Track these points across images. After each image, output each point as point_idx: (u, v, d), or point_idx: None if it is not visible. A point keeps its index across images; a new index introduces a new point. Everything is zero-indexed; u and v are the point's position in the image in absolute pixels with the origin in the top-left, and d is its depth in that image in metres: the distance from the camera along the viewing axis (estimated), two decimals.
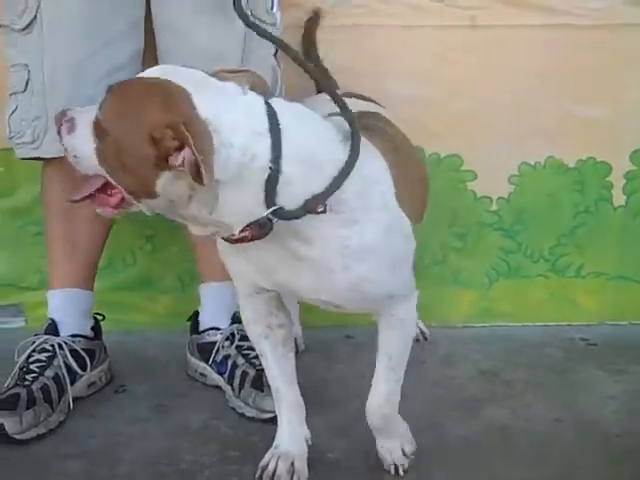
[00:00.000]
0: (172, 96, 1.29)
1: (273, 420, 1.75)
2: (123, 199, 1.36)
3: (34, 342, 1.94)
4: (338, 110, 1.48)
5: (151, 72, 1.38)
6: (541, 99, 2.39)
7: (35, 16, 1.87)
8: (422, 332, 2.32)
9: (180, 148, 1.25)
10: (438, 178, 2.40)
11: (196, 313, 2.11)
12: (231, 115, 1.30)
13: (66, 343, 1.94)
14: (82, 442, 1.78)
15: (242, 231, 1.35)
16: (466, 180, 2.44)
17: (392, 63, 2.32)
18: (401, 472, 1.66)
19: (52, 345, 1.93)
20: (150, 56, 1.93)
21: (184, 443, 1.78)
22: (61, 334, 1.97)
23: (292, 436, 1.67)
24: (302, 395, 1.68)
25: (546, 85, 2.38)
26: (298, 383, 1.68)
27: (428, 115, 2.37)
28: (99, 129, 1.32)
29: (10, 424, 1.74)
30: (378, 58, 2.31)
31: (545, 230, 2.49)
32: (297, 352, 1.81)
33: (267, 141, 1.32)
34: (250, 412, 1.87)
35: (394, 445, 1.68)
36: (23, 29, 1.89)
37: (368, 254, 1.44)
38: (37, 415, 1.78)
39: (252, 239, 1.36)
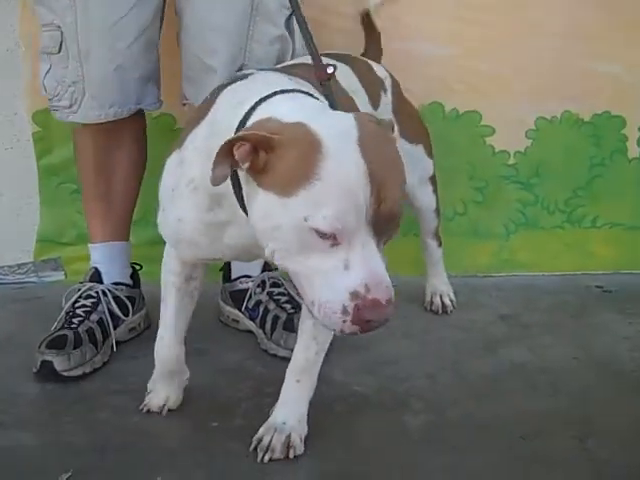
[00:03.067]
0: None
1: None
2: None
3: (80, 289, 2.05)
4: None
5: None
6: (559, 57, 2.47)
7: None
8: (444, 305, 2.31)
9: None
10: (457, 133, 2.51)
11: (228, 262, 2.21)
12: None
13: (110, 290, 2.05)
14: (125, 380, 1.89)
15: None
16: (485, 135, 2.53)
17: (414, 24, 2.40)
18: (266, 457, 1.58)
19: (97, 292, 2.03)
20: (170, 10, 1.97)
21: (222, 381, 1.89)
22: (104, 282, 2.07)
23: (166, 381, 1.75)
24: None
25: (564, 43, 2.46)
26: None
27: (448, 73, 2.47)
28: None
29: (58, 361, 1.85)
30: (401, 20, 2.38)
31: (561, 183, 2.58)
32: None
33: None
34: (283, 352, 1.96)
35: (284, 427, 1.61)
36: None
37: None
38: (83, 354, 1.89)
39: None
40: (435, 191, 2.24)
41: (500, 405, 1.79)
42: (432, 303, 2.32)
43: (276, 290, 2.10)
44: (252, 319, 2.11)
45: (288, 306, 2.07)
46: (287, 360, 1.91)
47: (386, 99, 2.02)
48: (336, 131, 1.24)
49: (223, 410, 1.77)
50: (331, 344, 1.89)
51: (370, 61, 2.09)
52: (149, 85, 1.98)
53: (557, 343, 2.10)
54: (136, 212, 2.29)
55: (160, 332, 1.74)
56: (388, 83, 2.06)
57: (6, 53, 2.34)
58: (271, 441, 1.60)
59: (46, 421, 1.74)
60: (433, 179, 2.23)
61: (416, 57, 2.41)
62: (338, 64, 1.85)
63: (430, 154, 2.20)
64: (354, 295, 1.21)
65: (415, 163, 2.13)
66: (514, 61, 2.46)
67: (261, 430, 1.63)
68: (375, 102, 1.95)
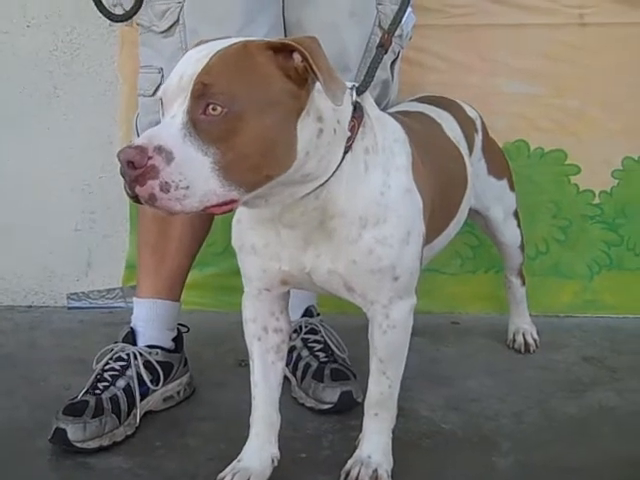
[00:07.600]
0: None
1: (331, 411, 1.88)
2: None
3: (112, 349, 1.91)
4: None
5: None
6: None
7: (177, 19, 1.78)
8: (526, 344, 2.29)
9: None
10: (541, 171, 2.50)
11: None
12: None
13: (141, 354, 1.88)
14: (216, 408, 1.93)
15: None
16: (569, 174, 2.51)
17: (502, 60, 2.41)
18: None
19: (127, 354, 1.88)
20: None
21: (307, 413, 1.92)
22: (138, 344, 1.92)
23: (256, 452, 1.61)
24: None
25: None
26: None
27: (534, 110, 2.47)
28: (211, 121, 1.23)
29: (72, 430, 1.70)
30: (488, 56, 2.40)
31: None
32: None
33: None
34: (310, 402, 1.93)
35: (370, 461, 1.61)
36: (163, 32, 1.80)
37: (389, 211, 1.45)
38: (102, 425, 1.73)
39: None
40: (519, 226, 2.23)
41: (589, 449, 1.76)
42: (515, 341, 2.31)
43: (312, 337, 2.05)
44: (286, 364, 1.86)
45: (321, 354, 2.01)
46: (314, 410, 1.93)
47: (477, 140, 2.03)
48: None
49: (310, 441, 1.78)
50: (414, 379, 1.91)
51: (460, 102, 2.10)
52: None
53: None
54: (219, 244, 2.32)
55: (252, 391, 1.64)
56: (479, 124, 2.07)
57: (105, 84, 2.43)
58: (359, 474, 1.60)
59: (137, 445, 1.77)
60: (516, 214, 2.22)
61: (503, 94, 2.43)
62: (443, 113, 1.91)
63: (512, 188, 2.20)
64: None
65: (501, 198, 2.15)
66: (603, 100, 2.45)
67: (348, 463, 1.63)
68: (470, 146, 1.95)
